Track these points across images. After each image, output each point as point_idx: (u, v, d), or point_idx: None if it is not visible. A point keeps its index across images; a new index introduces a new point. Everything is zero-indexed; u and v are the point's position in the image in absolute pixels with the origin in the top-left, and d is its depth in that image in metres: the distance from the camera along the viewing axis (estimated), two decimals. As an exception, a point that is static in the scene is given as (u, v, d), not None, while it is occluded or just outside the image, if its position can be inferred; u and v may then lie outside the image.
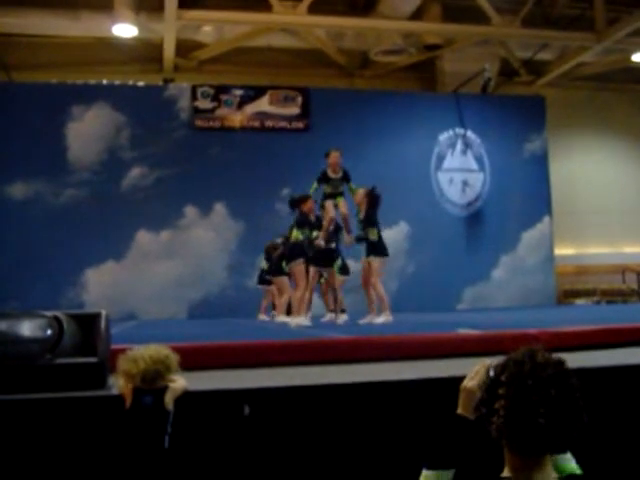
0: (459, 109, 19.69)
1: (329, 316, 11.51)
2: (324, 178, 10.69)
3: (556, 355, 2.18)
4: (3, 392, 3.56)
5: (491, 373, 2.23)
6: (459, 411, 2.49)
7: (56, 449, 3.52)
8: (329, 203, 10.60)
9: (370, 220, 10.32)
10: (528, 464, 2.11)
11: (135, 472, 3.15)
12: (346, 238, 10.69)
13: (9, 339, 3.66)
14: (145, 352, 3.37)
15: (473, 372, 2.51)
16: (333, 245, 10.91)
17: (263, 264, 14.50)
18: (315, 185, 10.69)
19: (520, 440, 2.07)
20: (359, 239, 10.45)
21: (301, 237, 10.37)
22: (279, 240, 13.21)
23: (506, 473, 2.16)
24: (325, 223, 10.56)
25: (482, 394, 2.23)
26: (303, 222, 10.47)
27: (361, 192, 10.60)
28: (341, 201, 10.66)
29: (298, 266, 10.29)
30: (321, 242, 10.39)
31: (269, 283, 14.01)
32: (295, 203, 10.70)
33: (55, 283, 16.29)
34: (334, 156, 10.90)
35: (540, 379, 2.06)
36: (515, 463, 2.13)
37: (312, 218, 10.70)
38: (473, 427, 2.40)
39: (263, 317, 14.60)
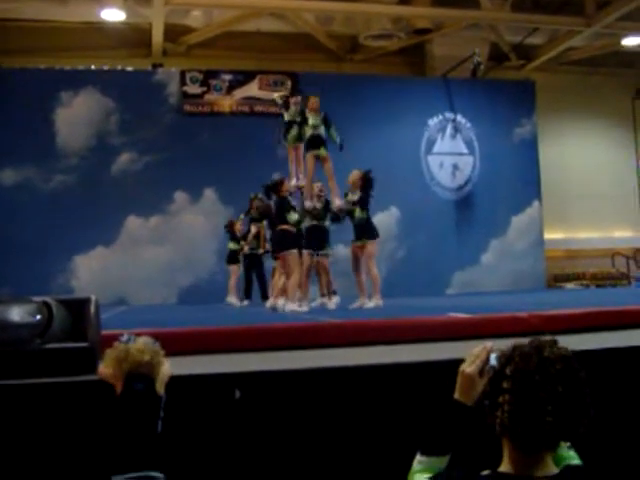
0: (449, 93, 19.68)
1: (320, 300, 11.31)
2: (303, 120, 10.48)
3: (564, 348, 2.11)
4: (-7, 378, 3.55)
5: (493, 362, 2.18)
6: (456, 396, 2.39)
7: (47, 434, 3.51)
8: (310, 156, 10.36)
9: (363, 203, 10.28)
10: (529, 460, 2.05)
11: (128, 457, 3.15)
12: (336, 201, 10.39)
13: (-2, 325, 3.65)
14: (130, 354, 3.34)
15: (473, 356, 2.39)
16: (326, 224, 10.68)
17: (231, 245, 14.61)
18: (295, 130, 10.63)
19: (524, 437, 2.01)
20: (346, 211, 10.37)
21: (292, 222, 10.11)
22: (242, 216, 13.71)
23: (504, 467, 2.11)
24: (306, 181, 10.38)
25: (485, 386, 2.18)
26: (285, 207, 10.18)
27: (356, 173, 10.49)
28: (325, 157, 10.45)
29: (291, 255, 10.02)
30: (338, 202, 10.25)
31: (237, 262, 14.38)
32: (270, 189, 10.35)
33: (45, 269, 16.26)
34: (313, 101, 10.62)
35: (548, 375, 2.00)
36: (516, 458, 2.08)
37: (292, 198, 10.50)
38: (470, 413, 2.33)
39: (233, 300, 14.42)
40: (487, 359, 2.25)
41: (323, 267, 11.07)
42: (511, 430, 2.03)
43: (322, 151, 10.36)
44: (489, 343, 2.32)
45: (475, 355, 2.37)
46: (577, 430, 2.02)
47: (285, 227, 10.10)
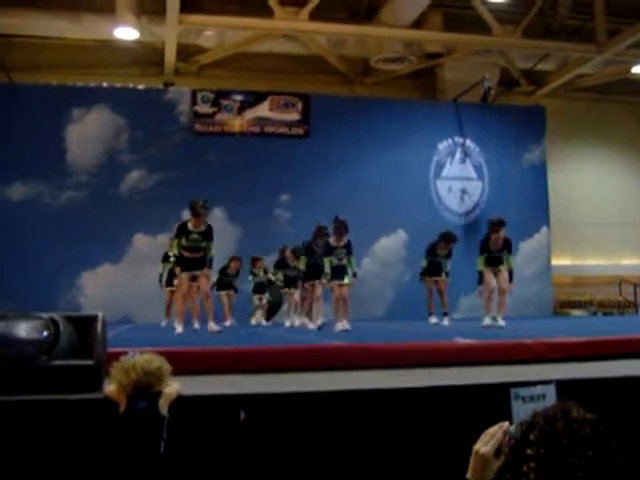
0: (459, 118, 19.72)
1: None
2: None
3: (590, 414, 1.90)
4: (-2, 393, 3.56)
5: (512, 430, 2.01)
6: (468, 476, 2.17)
7: (51, 451, 3.51)
8: None
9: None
10: None
11: (130, 476, 3.15)
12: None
13: (5, 340, 3.66)
14: (137, 363, 3.35)
15: (488, 435, 2.17)
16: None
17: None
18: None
19: None
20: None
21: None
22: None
23: None
24: None
25: (506, 458, 1.93)
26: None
27: None
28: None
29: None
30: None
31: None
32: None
33: (52, 285, 16.28)
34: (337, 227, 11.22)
35: (577, 438, 1.80)
36: None
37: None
38: None
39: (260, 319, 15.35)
40: (503, 438, 2.08)
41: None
42: None
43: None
44: (506, 423, 2.14)
45: (490, 434, 2.18)
46: None
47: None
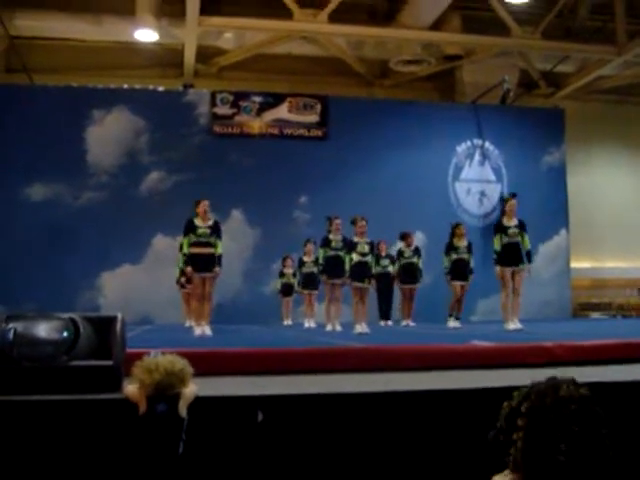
0: (478, 120, 19.67)
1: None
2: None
3: (583, 388, 2.07)
4: (18, 393, 3.58)
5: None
6: None
7: (70, 451, 3.53)
8: None
9: None
10: None
11: (149, 477, 3.16)
12: None
13: (25, 340, 3.68)
14: (160, 363, 3.36)
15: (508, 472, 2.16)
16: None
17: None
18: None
19: (537, 475, 1.97)
20: None
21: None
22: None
23: None
24: None
25: (501, 422, 2.13)
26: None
27: None
28: None
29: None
30: None
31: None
32: None
33: (72, 286, 16.37)
34: (361, 225, 11.17)
35: (562, 414, 1.96)
36: None
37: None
38: None
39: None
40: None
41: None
42: (524, 467, 2.00)
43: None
44: None
45: None
46: (593, 471, 1.95)
47: None
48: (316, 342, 7.98)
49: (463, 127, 19.67)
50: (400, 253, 14.35)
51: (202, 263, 10.14)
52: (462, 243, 12.52)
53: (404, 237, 14.50)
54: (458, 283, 12.62)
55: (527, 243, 10.90)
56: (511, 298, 10.98)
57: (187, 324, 13.72)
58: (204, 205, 10.29)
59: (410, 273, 14.19)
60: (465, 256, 12.58)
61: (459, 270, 12.49)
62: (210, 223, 10.26)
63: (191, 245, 10.23)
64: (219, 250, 10.22)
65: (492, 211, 19.44)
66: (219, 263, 10.22)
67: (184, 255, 10.67)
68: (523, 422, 2.02)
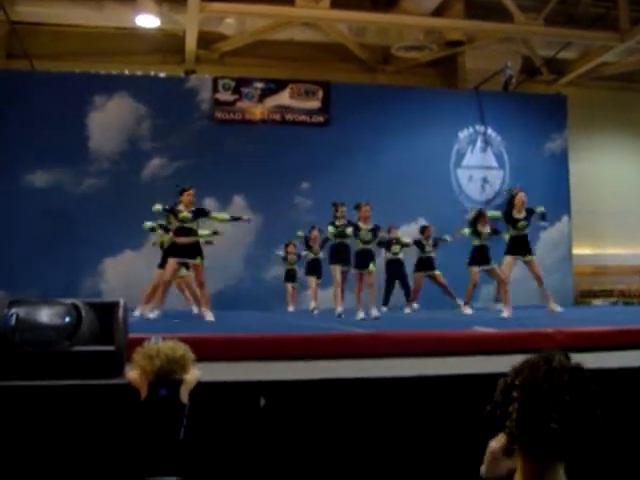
0: (480, 106, 19.62)
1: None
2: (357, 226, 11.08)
3: (575, 360, 2.15)
4: (20, 378, 3.59)
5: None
6: (482, 471, 2.33)
7: (72, 436, 3.54)
8: None
9: None
10: (540, 469, 2.09)
11: (150, 462, 3.17)
12: None
13: (28, 326, 3.69)
14: (161, 349, 3.36)
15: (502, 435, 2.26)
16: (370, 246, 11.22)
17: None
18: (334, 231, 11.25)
19: (531, 444, 2.05)
20: None
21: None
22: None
23: (518, 479, 2.15)
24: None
25: (497, 397, 2.20)
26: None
27: None
28: None
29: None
30: None
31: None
32: None
33: (74, 271, 16.39)
34: (365, 210, 11.08)
35: (555, 384, 2.04)
36: (527, 468, 2.11)
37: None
38: None
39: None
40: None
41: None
42: (519, 437, 2.08)
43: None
44: None
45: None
46: (585, 441, 2.03)
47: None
48: (319, 328, 7.99)
49: (465, 113, 19.62)
50: (419, 245, 14.44)
51: (184, 251, 10.25)
52: (485, 230, 12.46)
53: (423, 230, 14.69)
54: (477, 269, 12.61)
55: (538, 209, 11.65)
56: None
57: (195, 311, 13.61)
58: (189, 194, 10.50)
59: (430, 264, 14.48)
60: (487, 243, 12.55)
61: (481, 256, 12.46)
62: (192, 209, 10.47)
63: (175, 232, 10.38)
64: (203, 237, 10.45)
65: (494, 197, 19.42)
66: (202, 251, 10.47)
67: (164, 244, 10.93)
68: (518, 394, 2.09)
